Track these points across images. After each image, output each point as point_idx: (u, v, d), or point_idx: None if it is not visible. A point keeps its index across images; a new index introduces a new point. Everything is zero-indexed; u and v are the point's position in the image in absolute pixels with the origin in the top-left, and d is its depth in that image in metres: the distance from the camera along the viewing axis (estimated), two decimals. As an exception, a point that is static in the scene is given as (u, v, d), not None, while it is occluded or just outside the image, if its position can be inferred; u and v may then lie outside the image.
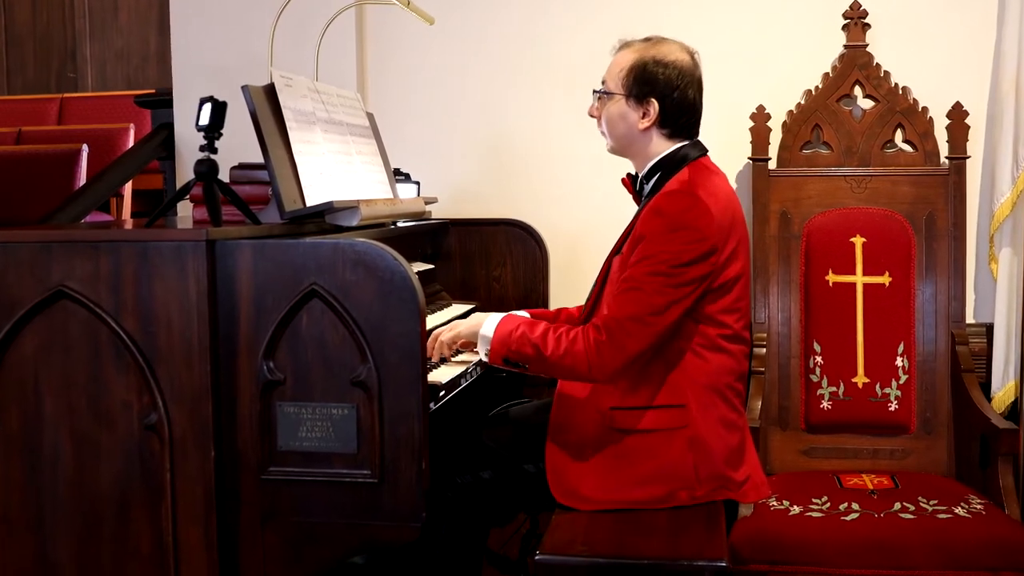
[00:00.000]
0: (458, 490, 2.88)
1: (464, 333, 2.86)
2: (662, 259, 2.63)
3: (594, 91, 2.91)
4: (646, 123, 2.81)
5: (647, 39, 2.87)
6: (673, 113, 2.80)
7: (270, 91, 2.85)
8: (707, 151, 2.87)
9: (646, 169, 2.86)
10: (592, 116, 2.93)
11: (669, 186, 2.75)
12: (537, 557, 2.53)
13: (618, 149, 2.91)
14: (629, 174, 2.95)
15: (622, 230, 2.88)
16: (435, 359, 2.92)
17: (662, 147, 2.83)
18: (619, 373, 2.68)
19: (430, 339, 2.94)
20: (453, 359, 2.98)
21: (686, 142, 2.83)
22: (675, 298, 2.64)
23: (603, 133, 2.92)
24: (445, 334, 2.91)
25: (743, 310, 2.81)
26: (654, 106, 2.79)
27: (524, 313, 3.07)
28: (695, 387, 2.74)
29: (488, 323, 2.79)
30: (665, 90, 2.78)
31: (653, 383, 2.74)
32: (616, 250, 2.83)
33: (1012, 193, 3.87)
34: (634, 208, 2.93)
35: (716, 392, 2.77)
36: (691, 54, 2.85)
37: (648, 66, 2.79)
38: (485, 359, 2.80)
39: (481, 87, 4.34)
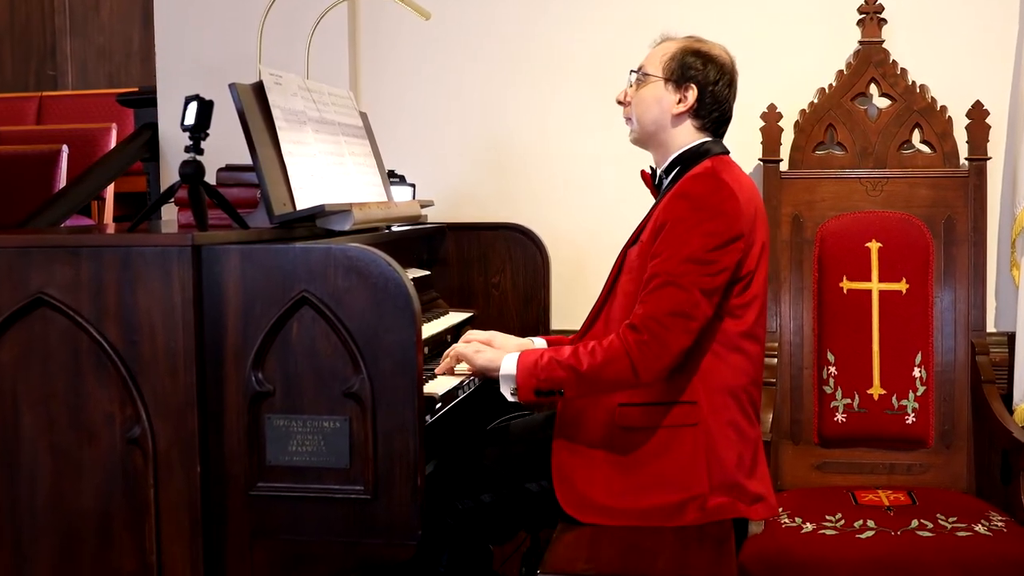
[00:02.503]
0: (459, 516, 2.88)
1: (479, 367, 2.85)
2: (691, 246, 2.66)
3: (631, 71, 2.97)
4: (681, 108, 2.87)
5: (690, 36, 2.96)
6: (709, 104, 2.87)
7: (258, 89, 2.85)
8: (729, 152, 2.92)
9: (667, 163, 2.90)
10: (620, 103, 2.98)
11: (692, 172, 2.80)
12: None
13: (642, 137, 2.95)
14: (651, 167, 2.98)
15: (627, 233, 2.90)
16: (440, 372, 2.92)
17: (688, 138, 2.88)
18: (665, 372, 2.69)
19: (449, 352, 2.95)
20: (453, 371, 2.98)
21: (711, 138, 2.90)
22: (711, 287, 2.67)
23: (629, 119, 2.96)
24: (458, 352, 2.91)
25: (762, 306, 2.84)
26: (693, 92, 2.86)
27: (541, 341, 3.10)
28: (708, 386, 2.77)
29: (507, 362, 2.77)
30: (705, 80, 2.86)
31: (665, 380, 2.75)
32: (633, 240, 2.86)
33: (1035, 196, 3.88)
34: (646, 204, 2.94)
35: (730, 394, 2.79)
36: (732, 59, 2.94)
37: (691, 56, 2.88)
38: (512, 398, 2.78)
39: (479, 85, 4.35)
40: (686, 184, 2.76)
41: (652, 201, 2.93)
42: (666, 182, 2.89)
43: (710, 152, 2.86)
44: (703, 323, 2.69)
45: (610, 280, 2.90)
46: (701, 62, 2.86)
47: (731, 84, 2.90)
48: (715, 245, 2.66)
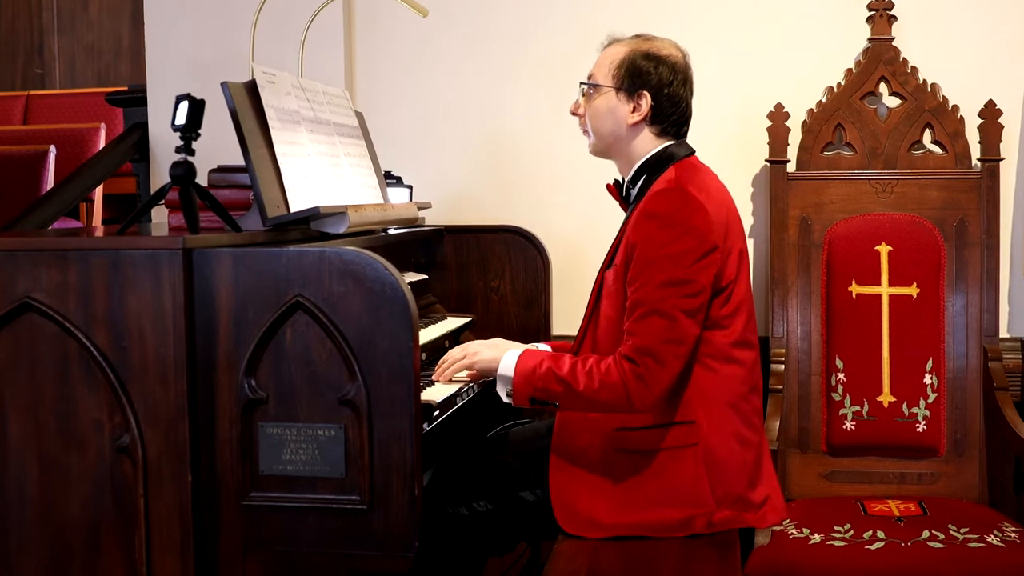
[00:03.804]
0: (453, 522, 2.88)
1: (480, 368, 2.87)
2: (666, 268, 2.65)
3: (581, 83, 2.95)
4: (636, 117, 2.85)
5: (638, 35, 2.93)
6: (665, 108, 2.85)
7: (251, 88, 2.86)
8: (694, 151, 2.91)
9: (632, 172, 2.90)
10: (574, 114, 2.97)
11: (656, 186, 2.78)
12: (538, 590, 2.54)
13: (601, 148, 2.95)
14: (616, 180, 2.98)
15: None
16: (443, 380, 2.92)
17: (649, 146, 2.87)
18: (660, 401, 2.70)
19: (445, 360, 2.95)
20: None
21: (673, 141, 2.88)
22: (693, 307, 2.67)
23: (586, 131, 2.96)
24: (459, 362, 2.91)
25: (748, 312, 2.83)
26: (646, 99, 2.84)
27: (544, 348, 3.11)
28: (705, 402, 2.76)
29: (506, 361, 2.79)
30: (658, 85, 2.84)
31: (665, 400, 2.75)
32: (608, 263, 2.86)
33: (1049, 198, 3.89)
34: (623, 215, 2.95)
35: (729, 406, 2.78)
36: (684, 54, 2.92)
37: (640, 59, 2.85)
38: (507, 400, 2.80)
39: (478, 84, 4.35)
40: (651, 202, 2.73)
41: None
42: (634, 192, 2.89)
43: (674, 157, 2.85)
44: (692, 343, 2.70)
45: (591, 303, 2.90)
46: (652, 64, 2.84)
47: (686, 82, 2.88)
48: (689, 263, 2.66)
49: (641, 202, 2.77)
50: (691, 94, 2.90)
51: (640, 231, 2.70)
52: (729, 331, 2.77)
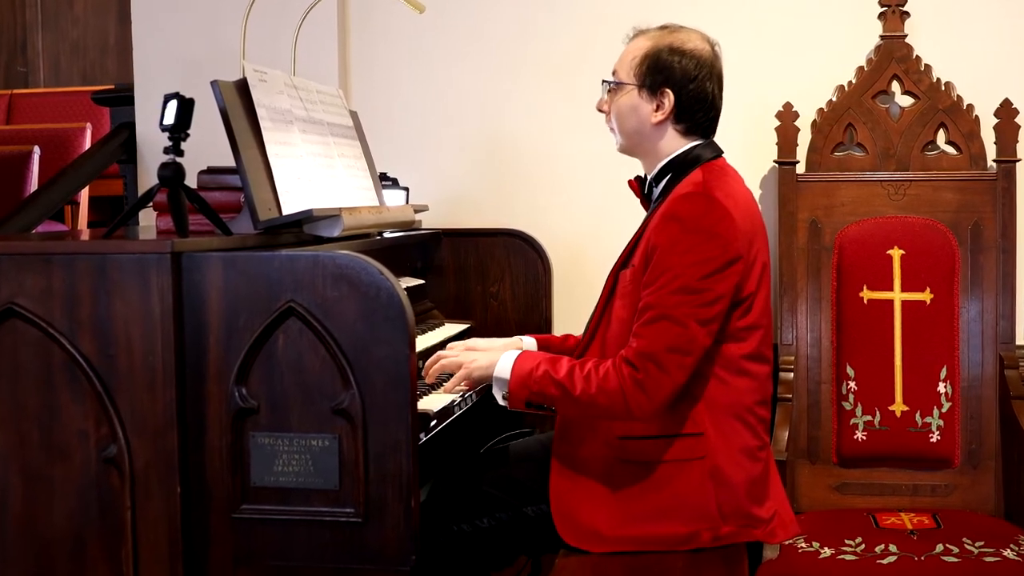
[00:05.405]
0: (454, 539, 2.88)
1: (477, 376, 2.85)
2: (684, 274, 2.63)
3: (604, 81, 2.93)
4: (660, 116, 2.82)
5: (664, 27, 2.90)
6: (689, 106, 2.81)
7: (242, 87, 2.86)
8: (722, 152, 2.88)
9: (656, 170, 2.87)
10: (601, 111, 2.95)
11: (681, 188, 2.76)
12: (538, 605, 2.53)
13: (628, 147, 2.92)
14: (638, 176, 2.96)
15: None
16: (429, 380, 2.92)
17: (675, 145, 2.84)
18: (660, 410, 2.67)
19: (431, 359, 2.95)
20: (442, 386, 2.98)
21: (700, 141, 2.85)
22: (707, 317, 2.64)
23: (612, 129, 2.93)
24: (457, 373, 2.89)
25: (766, 327, 2.82)
26: (669, 98, 2.80)
27: (531, 340, 3.13)
28: (715, 414, 2.75)
29: (502, 363, 2.78)
30: (682, 81, 2.80)
31: (669, 410, 2.74)
32: (623, 263, 2.84)
33: (1067, 200, 3.88)
34: (642, 215, 2.94)
35: (738, 419, 2.77)
36: (712, 45, 2.87)
37: (664, 54, 2.81)
38: (503, 403, 2.80)
39: (477, 83, 4.35)
40: (676, 205, 2.70)
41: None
42: (657, 191, 2.87)
43: (700, 159, 2.82)
44: (700, 356, 2.67)
45: (602, 302, 2.88)
46: (676, 59, 2.79)
47: (711, 76, 2.83)
48: (710, 271, 2.63)
49: (664, 203, 2.75)
50: (720, 89, 2.85)
51: (662, 233, 2.68)
52: (744, 344, 2.75)
